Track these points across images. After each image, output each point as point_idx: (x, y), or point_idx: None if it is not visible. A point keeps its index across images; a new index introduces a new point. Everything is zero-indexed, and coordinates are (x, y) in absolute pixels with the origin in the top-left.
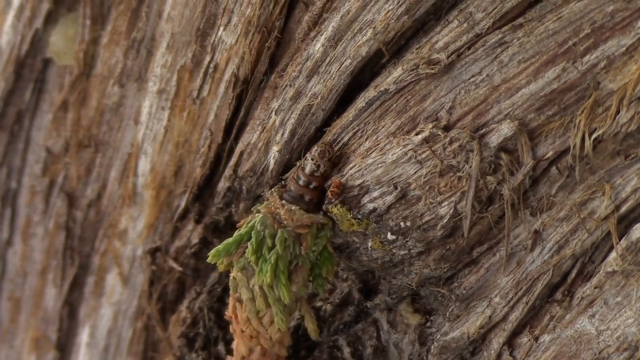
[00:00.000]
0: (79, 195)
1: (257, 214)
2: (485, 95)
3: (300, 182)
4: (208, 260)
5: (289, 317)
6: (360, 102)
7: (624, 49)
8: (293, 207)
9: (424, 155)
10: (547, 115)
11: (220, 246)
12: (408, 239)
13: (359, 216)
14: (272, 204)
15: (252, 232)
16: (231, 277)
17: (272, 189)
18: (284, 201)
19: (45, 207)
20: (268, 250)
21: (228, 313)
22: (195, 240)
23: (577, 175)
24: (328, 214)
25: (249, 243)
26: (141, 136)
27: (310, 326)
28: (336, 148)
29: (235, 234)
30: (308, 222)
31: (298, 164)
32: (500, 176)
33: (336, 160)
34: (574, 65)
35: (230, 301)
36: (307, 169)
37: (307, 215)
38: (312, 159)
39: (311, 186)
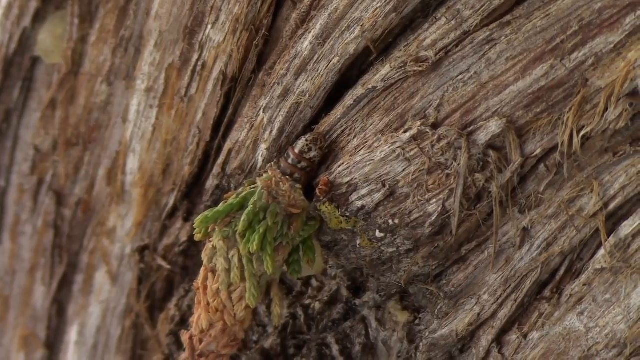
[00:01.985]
0: (68, 193)
1: (249, 187)
2: (473, 92)
3: (289, 161)
4: (194, 226)
5: (260, 296)
6: (349, 99)
7: (612, 46)
8: (297, 185)
9: (412, 153)
10: (535, 112)
11: (208, 213)
12: (396, 237)
13: (348, 214)
14: (273, 177)
15: (250, 203)
16: (208, 247)
17: (271, 163)
18: (287, 176)
19: (34, 205)
20: (258, 221)
21: (197, 283)
22: (183, 238)
23: (565, 172)
24: (317, 211)
25: (244, 213)
26: (129, 134)
27: (277, 310)
28: (328, 141)
29: (225, 204)
30: (302, 205)
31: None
32: (489, 173)
33: (326, 150)
34: (562, 63)
35: (202, 272)
36: (297, 149)
37: (303, 199)
38: (306, 140)
39: (299, 165)
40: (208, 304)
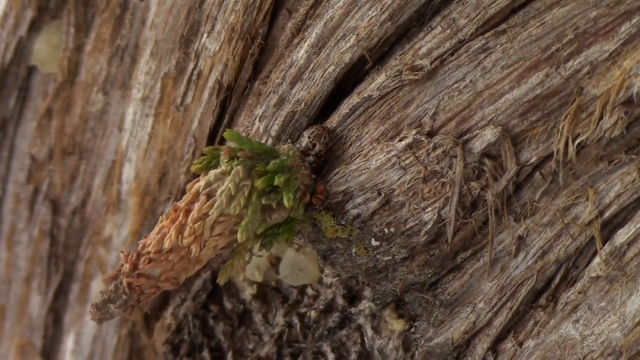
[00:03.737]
0: (64, 202)
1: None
2: (468, 101)
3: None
4: (225, 135)
5: (249, 233)
6: (344, 108)
7: (607, 54)
8: (312, 175)
9: (407, 162)
10: (530, 120)
11: (245, 140)
12: (392, 245)
13: (343, 222)
14: (298, 158)
15: (282, 156)
16: (214, 172)
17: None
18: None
19: (30, 214)
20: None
21: (177, 204)
22: None
23: (560, 180)
24: (312, 220)
25: (276, 159)
26: (125, 143)
27: (240, 262)
28: (332, 134)
29: (254, 142)
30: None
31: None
32: (484, 182)
33: (331, 145)
34: (558, 71)
35: (192, 194)
36: (303, 144)
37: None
38: (309, 137)
39: (307, 158)
40: (183, 225)
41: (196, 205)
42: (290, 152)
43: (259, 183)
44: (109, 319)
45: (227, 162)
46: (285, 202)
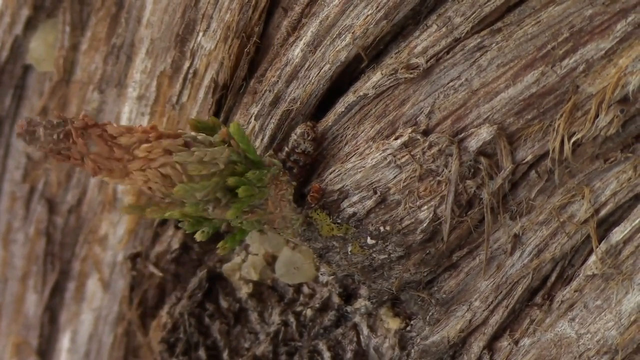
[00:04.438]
0: (59, 201)
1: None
2: (464, 99)
3: (283, 154)
4: (233, 128)
5: (185, 198)
6: (340, 107)
7: (603, 52)
8: (293, 182)
9: (403, 160)
10: (526, 119)
11: (251, 148)
12: (388, 244)
13: (339, 221)
14: (279, 170)
15: (259, 173)
16: (209, 137)
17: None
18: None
19: (26, 213)
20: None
21: (158, 128)
22: (175, 245)
23: (556, 179)
24: (308, 218)
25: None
26: None
27: (208, 229)
28: (320, 129)
29: (253, 152)
30: (281, 214)
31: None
32: (480, 180)
33: (320, 140)
34: (553, 69)
35: (178, 132)
36: (289, 145)
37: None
38: (295, 134)
39: (292, 158)
40: (146, 140)
41: (170, 140)
42: (272, 169)
43: (230, 180)
44: (27, 142)
45: (220, 140)
46: (229, 213)
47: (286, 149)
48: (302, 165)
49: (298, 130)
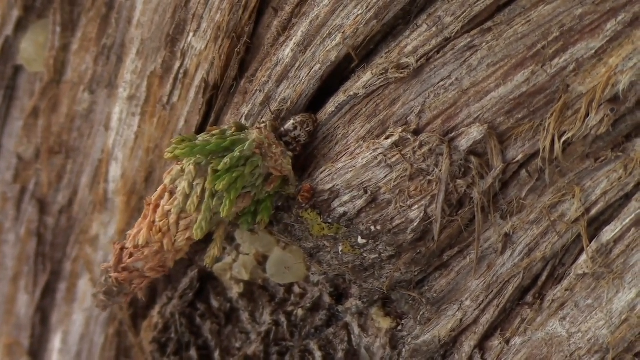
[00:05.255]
0: (50, 201)
1: (235, 128)
2: (454, 99)
3: (279, 132)
4: (173, 141)
5: (206, 231)
6: (330, 106)
7: (593, 51)
8: (288, 152)
9: (394, 159)
10: (516, 118)
11: (195, 145)
12: (379, 243)
13: (330, 220)
14: (266, 139)
15: (237, 149)
16: (176, 168)
17: (267, 122)
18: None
19: (17, 213)
20: (236, 166)
21: (149, 199)
22: None
23: (547, 178)
24: (299, 218)
25: (228, 156)
26: (112, 142)
27: (214, 252)
28: (317, 123)
29: (211, 140)
30: (286, 171)
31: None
32: (470, 180)
33: (313, 132)
34: (543, 69)
35: (160, 190)
36: (285, 126)
37: (290, 168)
38: (294, 120)
39: (284, 139)
40: (154, 222)
41: (161, 202)
42: (253, 135)
43: (207, 183)
44: (111, 305)
45: (188, 160)
46: (223, 211)
47: (282, 129)
48: (291, 150)
49: (299, 118)
